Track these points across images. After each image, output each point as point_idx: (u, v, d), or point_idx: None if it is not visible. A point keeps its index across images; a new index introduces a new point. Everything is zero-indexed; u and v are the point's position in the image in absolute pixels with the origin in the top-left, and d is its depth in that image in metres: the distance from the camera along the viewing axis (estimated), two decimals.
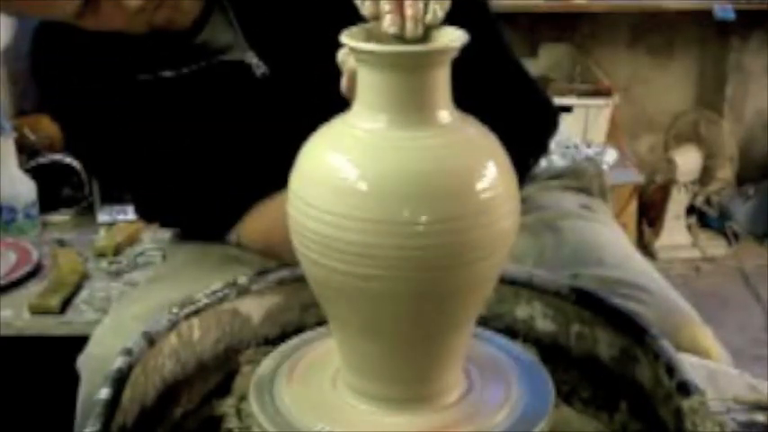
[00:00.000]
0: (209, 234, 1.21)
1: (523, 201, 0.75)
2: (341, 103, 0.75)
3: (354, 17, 0.74)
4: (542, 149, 1.29)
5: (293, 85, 1.10)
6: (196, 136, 1.11)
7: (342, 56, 0.77)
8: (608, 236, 1.22)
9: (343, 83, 0.77)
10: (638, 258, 1.19)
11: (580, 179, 1.34)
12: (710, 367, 0.97)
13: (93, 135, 1.16)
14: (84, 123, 1.15)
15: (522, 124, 1.09)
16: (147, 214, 1.33)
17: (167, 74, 1.10)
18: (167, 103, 1.10)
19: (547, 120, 1.27)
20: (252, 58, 1.11)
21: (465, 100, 0.74)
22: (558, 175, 1.33)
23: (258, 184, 1.10)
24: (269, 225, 1.11)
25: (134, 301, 1.17)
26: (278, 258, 1.01)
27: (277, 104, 1.10)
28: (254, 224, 1.16)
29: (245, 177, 1.12)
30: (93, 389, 0.97)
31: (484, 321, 0.88)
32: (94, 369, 1.07)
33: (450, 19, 0.73)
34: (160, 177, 1.16)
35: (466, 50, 0.71)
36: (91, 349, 1.11)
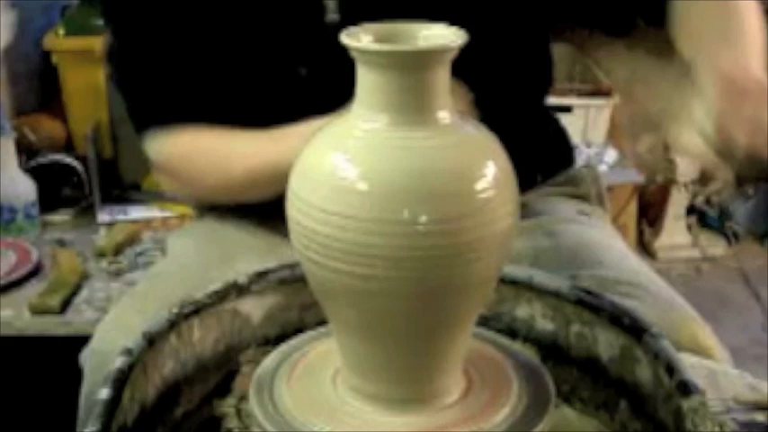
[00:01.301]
0: (155, 114, 1.16)
1: (521, 207, 0.75)
2: None
3: None
4: (551, 173, 1.29)
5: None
6: (233, 48, 1.10)
7: None
8: (605, 240, 1.22)
9: None
10: (635, 260, 1.19)
11: (577, 186, 1.34)
12: (710, 367, 0.97)
13: None
14: None
15: (535, 143, 1.08)
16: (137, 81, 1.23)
17: None
18: (225, 9, 1.10)
19: (560, 145, 1.27)
20: (330, 0, 1.09)
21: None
22: (555, 182, 1.33)
23: (253, 120, 1.09)
24: (193, 149, 1.10)
25: (137, 295, 1.17)
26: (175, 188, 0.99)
27: (329, 58, 1.10)
28: (187, 137, 1.12)
29: (249, 105, 1.11)
30: (95, 385, 0.97)
31: (484, 321, 0.88)
32: (97, 364, 1.07)
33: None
34: (172, 56, 1.14)
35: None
36: (94, 345, 1.12)
